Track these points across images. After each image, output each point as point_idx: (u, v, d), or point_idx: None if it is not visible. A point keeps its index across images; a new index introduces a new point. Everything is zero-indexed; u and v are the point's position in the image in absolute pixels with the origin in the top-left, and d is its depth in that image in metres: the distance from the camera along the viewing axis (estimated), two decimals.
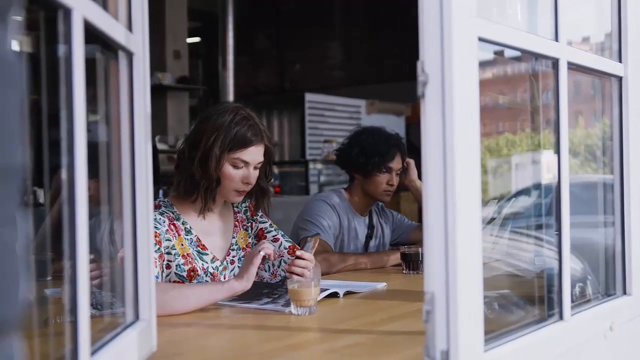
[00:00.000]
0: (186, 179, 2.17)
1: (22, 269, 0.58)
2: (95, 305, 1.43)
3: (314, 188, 7.37)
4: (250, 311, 1.93)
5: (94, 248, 1.11)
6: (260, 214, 2.40)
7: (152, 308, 1.38)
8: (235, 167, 2.16)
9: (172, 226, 2.15)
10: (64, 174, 0.99)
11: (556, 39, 1.50)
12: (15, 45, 0.59)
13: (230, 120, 2.14)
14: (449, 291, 1.15)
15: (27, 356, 0.61)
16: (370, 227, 3.12)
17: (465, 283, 1.16)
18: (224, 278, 2.22)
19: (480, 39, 1.23)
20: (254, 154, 2.18)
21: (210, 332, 1.74)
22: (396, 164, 2.99)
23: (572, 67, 1.55)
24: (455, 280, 1.14)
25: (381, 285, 2.33)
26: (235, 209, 2.37)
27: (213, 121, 2.15)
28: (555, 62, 1.49)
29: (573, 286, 1.67)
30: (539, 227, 1.96)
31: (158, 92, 7.02)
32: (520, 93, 2.01)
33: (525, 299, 1.72)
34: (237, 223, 2.35)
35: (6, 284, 0.56)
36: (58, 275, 1.27)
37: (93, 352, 1.07)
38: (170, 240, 2.11)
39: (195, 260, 2.16)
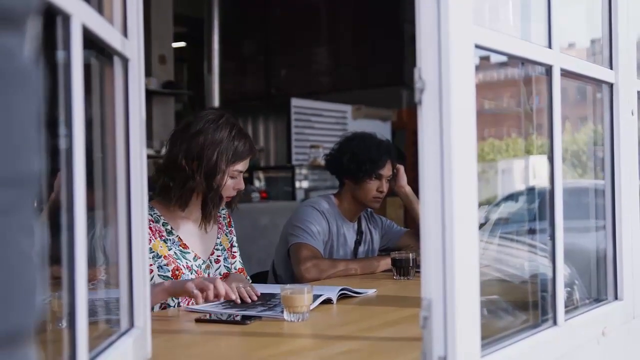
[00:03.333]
0: (188, 192, 2.23)
1: (38, 277, 0.58)
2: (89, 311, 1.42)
3: (300, 193, 7.35)
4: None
5: (88, 255, 1.11)
6: (232, 227, 2.51)
7: (147, 315, 1.37)
8: (232, 177, 2.27)
9: (148, 229, 2.16)
10: (62, 180, 0.98)
11: (549, 46, 1.50)
12: (31, 53, 0.59)
13: (229, 135, 2.24)
14: (447, 297, 1.15)
15: None
16: (359, 233, 3.12)
17: (462, 289, 1.16)
18: (209, 276, 2.30)
19: (477, 46, 1.23)
20: (247, 163, 2.32)
21: (204, 340, 1.73)
22: (387, 171, 2.99)
23: (565, 73, 1.56)
24: (453, 286, 1.15)
25: (372, 292, 2.33)
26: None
27: (211, 136, 2.22)
28: (549, 69, 1.50)
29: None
30: (528, 232, 1.97)
31: None
32: (506, 99, 2.02)
33: (517, 305, 1.73)
34: (220, 225, 2.43)
35: (24, 293, 0.55)
36: (50, 282, 1.26)
37: None
38: (148, 244, 2.13)
39: (178, 260, 2.22)
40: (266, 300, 2.10)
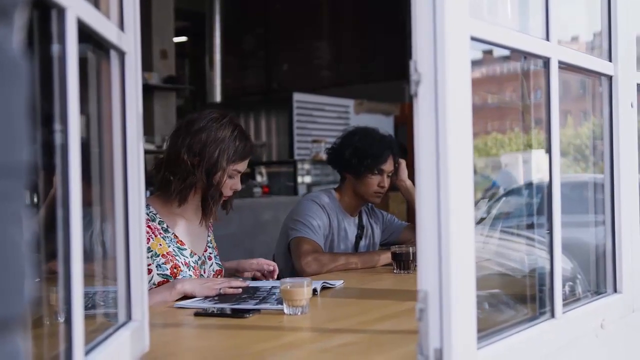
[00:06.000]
0: (187, 187, 2.25)
1: (27, 267, 0.58)
2: (88, 306, 1.42)
3: (302, 188, 7.36)
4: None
5: (85, 249, 1.11)
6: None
7: (144, 308, 1.37)
8: (230, 177, 2.29)
9: (147, 228, 2.19)
10: (57, 175, 0.99)
11: (547, 39, 1.50)
12: (19, 44, 0.59)
13: (231, 134, 2.27)
14: (443, 289, 1.16)
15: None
16: (360, 227, 3.12)
17: (458, 281, 1.16)
18: (204, 272, 2.34)
19: (473, 38, 1.23)
20: (246, 164, 2.35)
21: (202, 333, 1.73)
22: (388, 166, 2.99)
23: (563, 66, 1.56)
24: (449, 279, 1.15)
25: (339, 283, 2.34)
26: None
27: (214, 134, 2.25)
28: (546, 62, 1.50)
29: (563, 285, 1.68)
30: (529, 226, 1.97)
31: (144, 92, 6.92)
32: (508, 92, 2.02)
33: (517, 298, 1.73)
34: (210, 225, 2.47)
35: (13, 282, 0.56)
36: (48, 276, 1.26)
37: (87, 352, 1.07)
38: (147, 243, 2.15)
39: (177, 257, 2.24)
40: (252, 293, 2.10)
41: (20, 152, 0.57)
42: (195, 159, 2.23)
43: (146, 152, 6.31)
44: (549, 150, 1.52)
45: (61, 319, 1.04)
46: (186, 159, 2.22)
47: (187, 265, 2.25)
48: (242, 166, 2.32)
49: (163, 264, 2.20)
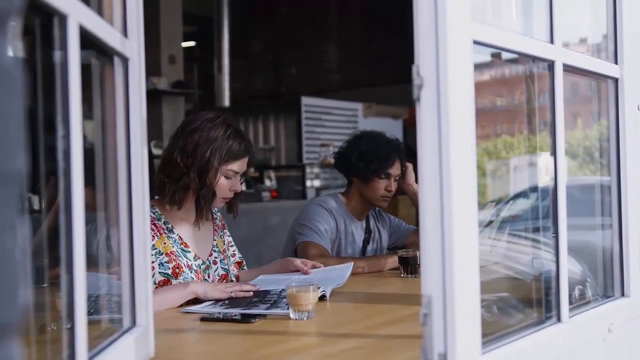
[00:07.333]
0: (181, 189, 2.24)
1: (21, 273, 0.58)
2: (92, 311, 1.43)
3: (311, 192, 7.36)
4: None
5: (90, 255, 1.11)
6: (226, 230, 2.54)
7: (149, 314, 1.37)
8: (227, 177, 2.28)
9: (152, 226, 2.21)
10: (60, 181, 0.99)
11: (551, 41, 1.50)
12: (14, 52, 0.59)
13: (224, 134, 2.26)
14: (446, 294, 1.15)
15: None
16: (368, 231, 3.11)
17: (462, 286, 1.16)
18: (208, 277, 2.33)
19: (476, 42, 1.23)
20: (244, 165, 2.32)
21: (208, 338, 1.73)
22: (395, 170, 2.98)
23: (568, 69, 1.55)
24: (452, 283, 1.14)
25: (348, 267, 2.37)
26: (212, 214, 2.46)
27: (206, 134, 2.24)
28: (551, 65, 1.50)
29: (572, 289, 1.67)
30: (537, 229, 1.96)
31: (153, 97, 6.99)
32: (518, 95, 2.01)
33: (524, 302, 1.72)
34: (216, 228, 2.46)
35: (6, 289, 0.56)
36: (54, 282, 1.27)
37: (90, 358, 1.07)
38: (151, 240, 2.15)
39: (180, 257, 2.25)
40: (263, 297, 2.10)
41: (14, 160, 0.57)
42: (188, 160, 2.23)
43: (155, 157, 6.32)
44: (554, 153, 1.51)
45: (68, 325, 1.05)
46: (179, 160, 2.22)
47: (190, 267, 2.25)
48: (238, 166, 2.29)
49: (166, 262, 2.20)
